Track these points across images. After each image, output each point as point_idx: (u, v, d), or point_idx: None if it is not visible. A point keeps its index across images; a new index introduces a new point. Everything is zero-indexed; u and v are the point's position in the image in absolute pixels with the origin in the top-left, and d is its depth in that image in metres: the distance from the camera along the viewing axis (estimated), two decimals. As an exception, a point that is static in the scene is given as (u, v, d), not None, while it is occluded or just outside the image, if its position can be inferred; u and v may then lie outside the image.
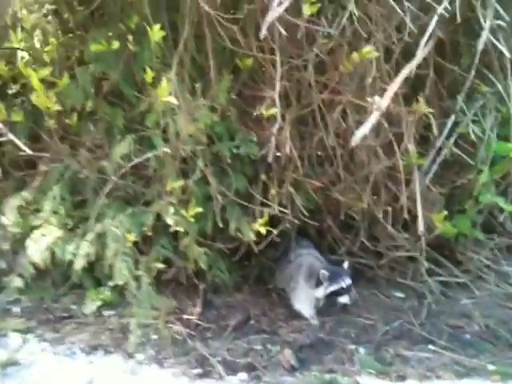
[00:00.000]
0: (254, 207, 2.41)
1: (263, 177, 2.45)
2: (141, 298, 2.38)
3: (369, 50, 2.16)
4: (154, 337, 2.36)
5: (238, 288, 2.77)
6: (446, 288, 2.78)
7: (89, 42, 2.43)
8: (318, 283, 2.47)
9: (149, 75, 2.28)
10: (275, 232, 2.44)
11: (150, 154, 2.42)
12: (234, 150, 2.42)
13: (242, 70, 2.46)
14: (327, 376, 2.12)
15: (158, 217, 2.46)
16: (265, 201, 2.43)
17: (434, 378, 2.14)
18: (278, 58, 2.24)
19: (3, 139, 2.44)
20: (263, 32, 2.02)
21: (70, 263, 2.42)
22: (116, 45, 2.33)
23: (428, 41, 2.23)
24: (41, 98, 2.34)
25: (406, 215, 2.49)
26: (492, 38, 2.26)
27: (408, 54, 2.35)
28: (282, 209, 2.39)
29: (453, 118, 2.54)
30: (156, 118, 2.40)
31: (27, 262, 2.43)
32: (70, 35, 2.67)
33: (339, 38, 2.27)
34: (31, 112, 2.55)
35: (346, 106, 2.36)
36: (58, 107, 2.38)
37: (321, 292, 2.48)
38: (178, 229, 2.34)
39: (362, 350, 2.33)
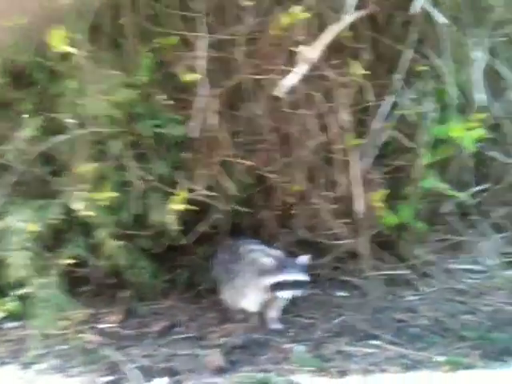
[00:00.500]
0: (178, 193, 2.15)
1: (189, 160, 2.21)
2: (46, 304, 2.08)
3: (298, 13, 2.00)
4: (63, 347, 2.06)
5: (166, 294, 2.50)
6: (391, 286, 2.59)
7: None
8: (263, 272, 2.17)
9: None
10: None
11: (61, 138, 2.16)
12: (157, 130, 2.18)
13: (167, 49, 2.26)
14: (259, 375, 1.87)
15: (71, 211, 2.18)
16: (192, 186, 2.18)
17: (377, 372, 1.91)
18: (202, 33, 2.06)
19: None
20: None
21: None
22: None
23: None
24: None
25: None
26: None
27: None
28: (209, 192, 2.15)
29: (391, 98, 2.40)
30: (69, 100, 2.15)
31: None
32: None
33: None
34: None
35: (277, 82, 2.18)
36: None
37: (264, 282, 2.16)
38: (88, 214, 2.04)
39: (299, 349, 2.09)
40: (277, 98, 2.20)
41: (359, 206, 2.22)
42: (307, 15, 2.05)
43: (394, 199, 2.52)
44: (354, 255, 2.63)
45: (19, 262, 2.06)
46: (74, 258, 2.17)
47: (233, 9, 2.24)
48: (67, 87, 2.17)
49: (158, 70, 2.27)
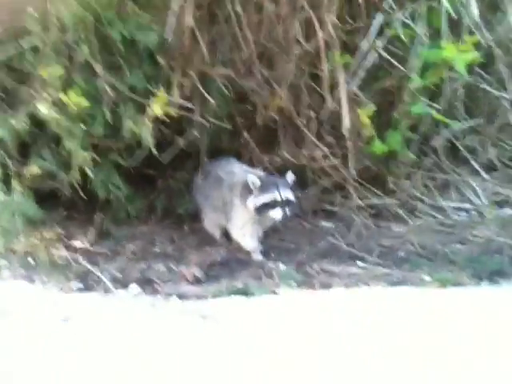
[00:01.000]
0: (151, 104, 2.01)
1: (165, 70, 2.07)
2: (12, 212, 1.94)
3: None
4: (31, 260, 1.94)
5: (143, 220, 2.38)
6: (378, 218, 2.49)
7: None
8: (248, 192, 2.04)
9: None
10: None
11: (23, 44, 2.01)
12: (127, 36, 2.03)
13: None
14: (239, 285, 1.77)
15: (40, 123, 2.04)
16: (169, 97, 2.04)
17: (362, 285, 1.82)
18: None
19: None
20: None
21: None
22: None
23: None
24: None
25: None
26: None
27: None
28: (186, 102, 2.02)
29: (381, 16, 2.29)
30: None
31: None
32: None
33: None
34: None
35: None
36: None
37: (250, 203, 2.04)
38: (55, 117, 1.91)
39: (283, 267, 1.99)
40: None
41: (345, 122, 2.11)
42: None
43: (383, 127, 2.42)
44: (340, 187, 2.54)
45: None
46: (41, 169, 2.04)
47: None
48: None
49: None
